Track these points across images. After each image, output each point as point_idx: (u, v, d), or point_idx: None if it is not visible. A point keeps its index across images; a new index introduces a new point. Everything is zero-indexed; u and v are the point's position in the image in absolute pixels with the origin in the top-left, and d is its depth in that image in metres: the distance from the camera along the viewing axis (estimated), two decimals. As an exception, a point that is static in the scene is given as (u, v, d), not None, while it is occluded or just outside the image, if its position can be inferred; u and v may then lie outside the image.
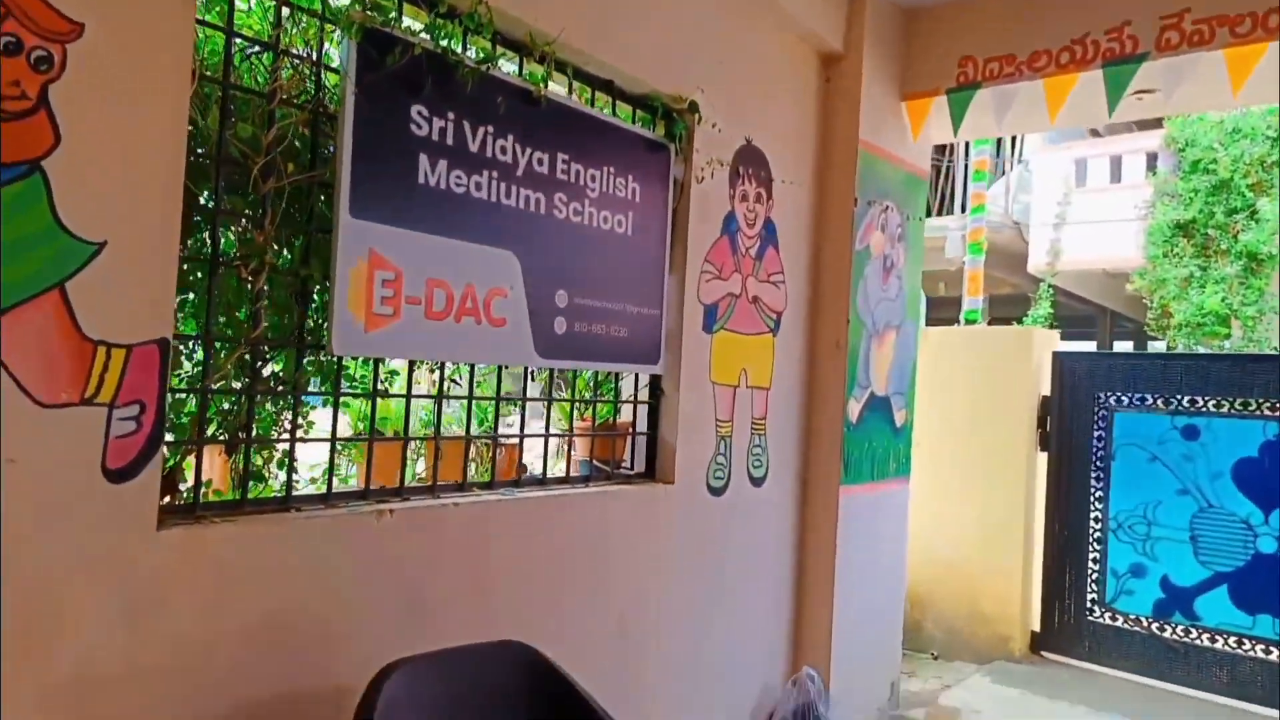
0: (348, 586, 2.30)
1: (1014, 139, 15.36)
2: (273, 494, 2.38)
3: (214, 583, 2.03)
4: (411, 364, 2.70)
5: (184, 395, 2.29)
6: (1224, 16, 3.29)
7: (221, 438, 2.30)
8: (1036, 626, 5.13)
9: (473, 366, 2.90)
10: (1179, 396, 4.75)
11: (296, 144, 2.28)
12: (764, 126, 3.78)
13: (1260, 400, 4.53)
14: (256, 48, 2.30)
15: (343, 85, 2.26)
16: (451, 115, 2.54)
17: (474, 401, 2.91)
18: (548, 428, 3.10)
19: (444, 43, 2.43)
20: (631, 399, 3.46)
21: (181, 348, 2.30)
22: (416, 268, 2.46)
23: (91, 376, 1.80)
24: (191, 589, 1.99)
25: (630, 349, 3.21)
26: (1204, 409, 4.67)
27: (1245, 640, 4.42)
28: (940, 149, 14.91)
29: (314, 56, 2.35)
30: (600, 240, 3.06)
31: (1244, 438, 4.59)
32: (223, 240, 2.20)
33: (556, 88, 3.00)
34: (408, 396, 2.68)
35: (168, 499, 2.10)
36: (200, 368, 2.18)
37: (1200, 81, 3.55)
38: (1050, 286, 13.26)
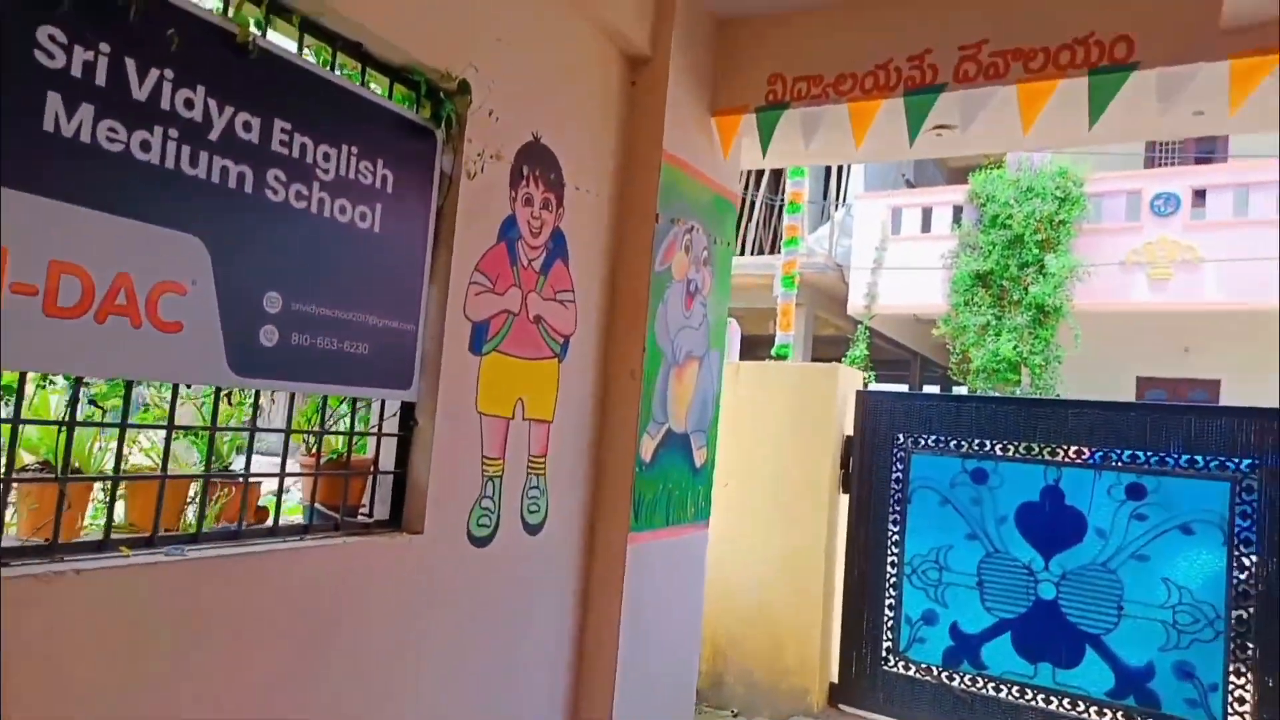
0: None
1: (839, 183, 16.08)
2: None
3: None
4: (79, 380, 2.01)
5: None
6: (1019, 50, 3.22)
7: None
8: (835, 678, 4.94)
9: (176, 386, 2.23)
10: (969, 439, 4.74)
11: None
12: (556, 124, 3.35)
13: (1042, 445, 4.58)
14: None
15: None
16: (105, 47, 1.90)
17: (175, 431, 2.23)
18: (247, 465, 2.45)
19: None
20: (374, 430, 2.88)
21: None
22: (31, 243, 1.79)
23: None
24: None
25: (373, 370, 2.64)
26: (992, 452, 4.67)
27: (1027, 689, 4.40)
28: (774, 184, 15.36)
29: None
30: (335, 234, 2.49)
31: (1027, 482, 4.62)
32: None
33: (283, 40, 2.42)
34: (69, 424, 1.98)
35: None
36: None
37: (995, 118, 3.48)
38: (867, 329, 13.80)
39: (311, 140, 2.40)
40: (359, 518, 2.80)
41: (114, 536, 2.08)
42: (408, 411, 2.89)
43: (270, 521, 2.51)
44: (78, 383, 2.02)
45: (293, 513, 2.74)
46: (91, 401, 2.26)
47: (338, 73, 2.57)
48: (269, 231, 2.29)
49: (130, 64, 1.95)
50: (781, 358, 5.85)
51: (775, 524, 5.01)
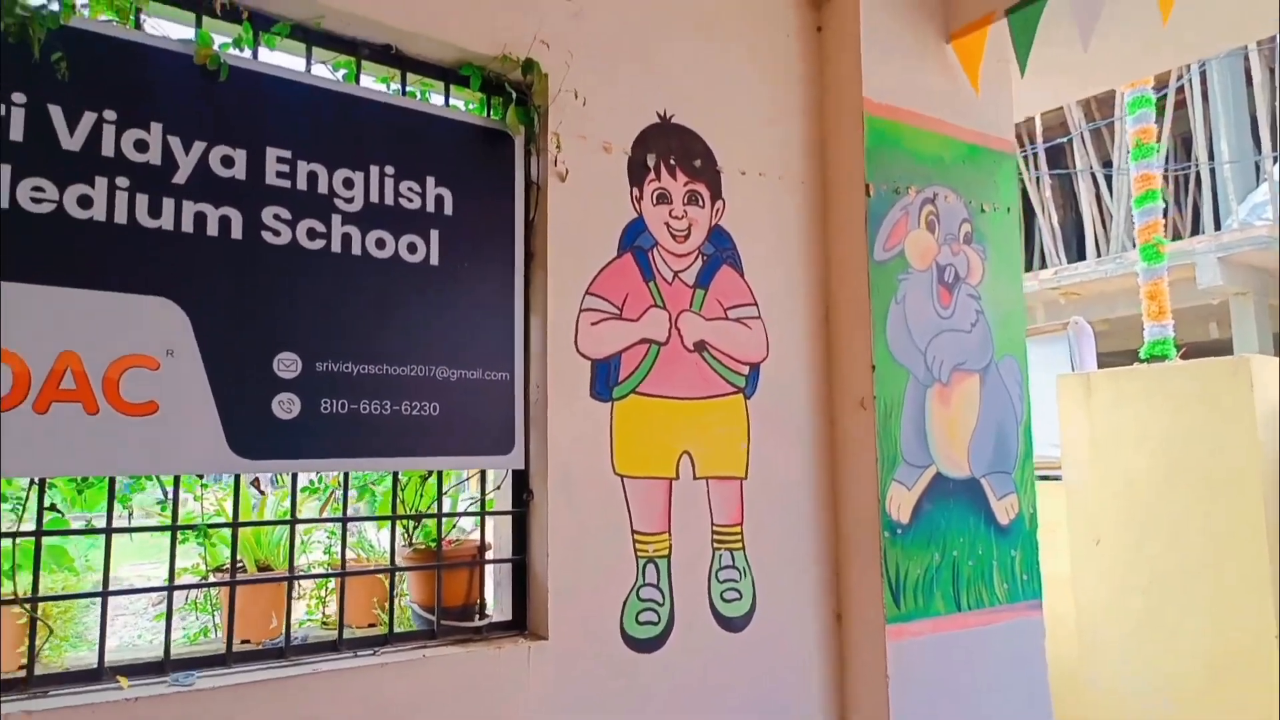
0: None
1: (1276, 129, 12.34)
2: None
3: None
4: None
5: None
6: None
7: None
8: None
9: (178, 478, 1.93)
10: None
11: None
12: (695, 96, 2.59)
13: None
14: None
15: None
16: (20, 98, 1.66)
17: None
18: (343, 562, 2.01)
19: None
20: (476, 509, 2.31)
21: None
22: (-58, 332, 1.55)
23: None
24: None
25: (452, 433, 2.10)
26: None
27: None
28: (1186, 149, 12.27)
29: None
30: (370, 274, 2.02)
31: None
32: None
33: (290, 57, 2.07)
34: (39, 532, 1.75)
35: None
36: None
37: None
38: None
39: (324, 167, 1.98)
40: (477, 620, 2.23)
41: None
42: (520, 482, 2.28)
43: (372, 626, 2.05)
44: (39, 485, 1.74)
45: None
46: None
47: (376, 85, 2.16)
48: (271, 282, 1.89)
49: (55, 111, 1.69)
50: (1159, 358, 4.17)
51: (1182, 602, 3.41)
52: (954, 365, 2.89)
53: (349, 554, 2.17)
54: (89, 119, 1.72)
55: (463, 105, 2.35)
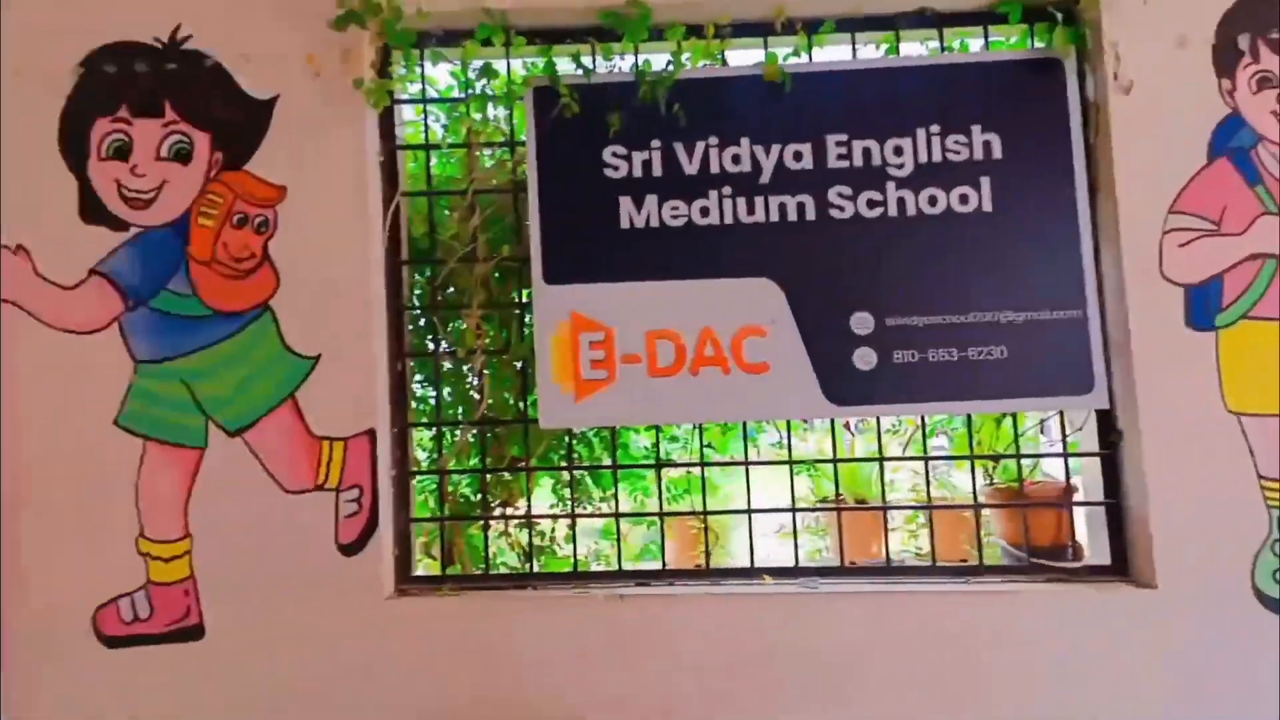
0: (570, 673, 2.12)
1: None
2: (517, 569, 2.38)
3: (438, 652, 2.14)
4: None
5: (425, 476, 2.47)
6: None
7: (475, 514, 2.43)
8: None
9: (789, 423, 2.37)
10: None
11: (501, 227, 2.34)
12: (1304, -54, 2.11)
13: None
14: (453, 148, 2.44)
15: (528, 154, 2.24)
16: (656, 143, 2.23)
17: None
18: (928, 495, 2.26)
19: (616, 64, 2.18)
20: (1058, 450, 2.26)
21: (423, 434, 2.51)
22: (630, 322, 2.19)
23: (320, 466, 2.18)
24: (418, 655, 2.14)
25: (1023, 375, 2.14)
26: None
27: None
28: None
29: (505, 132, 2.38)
30: (928, 231, 2.18)
31: None
32: (442, 330, 2.39)
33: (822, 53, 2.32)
34: (702, 464, 2.35)
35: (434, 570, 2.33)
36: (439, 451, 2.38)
37: None
38: None
39: (875, 141, 2.19)
40: (1070, 561, 2.23)
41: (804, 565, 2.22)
42: (1105, 422, 2.18)
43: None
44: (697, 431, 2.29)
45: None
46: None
47: (912, 52, 2.29)
48: (841, 252, 2.17)
49: (678, 147, 2.21)
50: None
51: None
52: None
53: (936, 492, 2.35)
54: (700, 147, 2.21)
55: (1002, 46, 2.32)
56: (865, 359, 2.15)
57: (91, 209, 2.17)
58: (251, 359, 2.18)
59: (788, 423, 2.32)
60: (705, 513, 2.30)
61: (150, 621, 2.14)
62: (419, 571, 2.33)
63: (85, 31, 2.16)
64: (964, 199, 2.17)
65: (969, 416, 2.28)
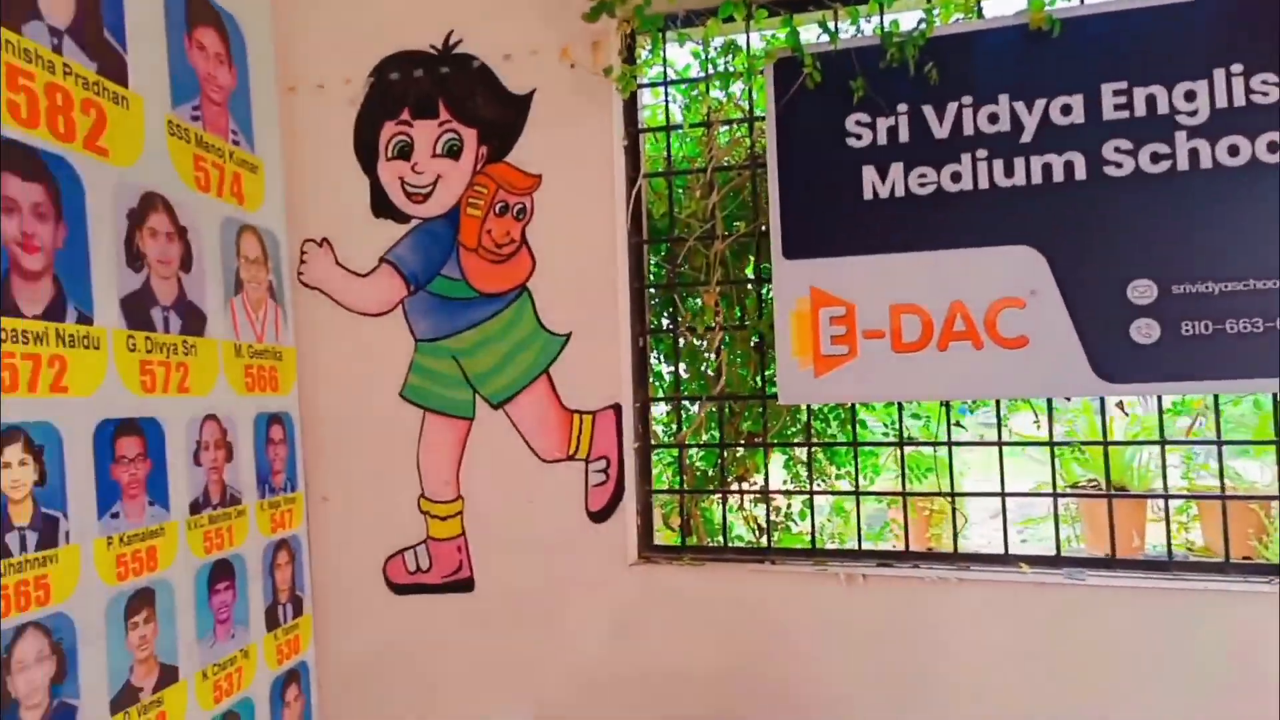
0: (815, 647, 2.11)
1: None
2: (754, 544, 2.39)
3: (681, 619, 2.22)
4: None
5: (663, 450, 2.53)
6: None
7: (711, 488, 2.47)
8: None
9: (1051, 401, 2.20)
10: None
11: (737, 203, 2.35)
12: None
13: None
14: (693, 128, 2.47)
15: (767, 128, 2.24)
16: (902, 108, 2.13)
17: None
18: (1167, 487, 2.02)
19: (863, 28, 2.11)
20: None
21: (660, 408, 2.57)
22: (873, 297, 2.13)
23: (571, 438, 2.32)
24: (662, 621, 2.24)
25: (1353, 349, 1.83)
26: None
27: None
28: None
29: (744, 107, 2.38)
30: (1227, 186, 1.92)
31: None
32: (680, 307, 2.44)
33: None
34: (949, 443, 2.24)
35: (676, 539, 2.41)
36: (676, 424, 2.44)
37: None
38: None
39: (1162, 87, 1.96)
40: None
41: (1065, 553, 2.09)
42: None
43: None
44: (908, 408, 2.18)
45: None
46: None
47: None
48: (1117, 213, 1.97)
49: (926, 111, 2.11)
50: None
51: None
52: None
53: (1210, 480, 2.08)
54: (951, 109, 2.09)
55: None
56: (1145, 331, 1.94)
57: (380, 204, 2.44)
58: (511, 337, 2.36)
59: (1049, 402, 2.14)
60: (953, 494, 2.19)
61: (429, 573, 2.40)
62: (657, 541, 2.43)
63: (373, 45, 2.42)
64: (1273, 147, 1.89)
65: (1275, 396, 1.99)
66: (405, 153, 2.43)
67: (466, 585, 2.38)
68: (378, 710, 2.42)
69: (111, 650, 1.56)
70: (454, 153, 2.40)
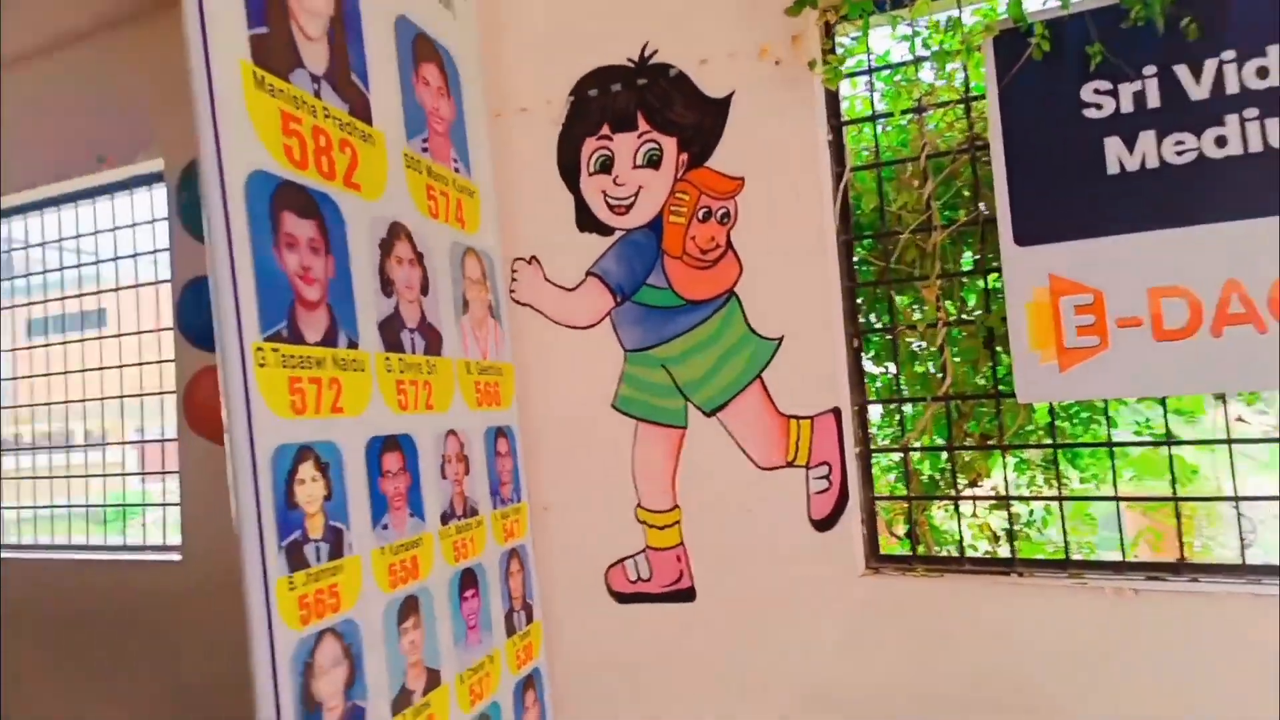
0: (1075, 670, 1.94)
1: None
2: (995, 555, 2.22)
3: (916, 633, 2.11)
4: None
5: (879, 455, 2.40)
6: None
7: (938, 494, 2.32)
8: None
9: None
10: None
11: (951, 191, 2.22)
12: None
13: None
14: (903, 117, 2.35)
15: (988, 107, 2.10)
16: (1150, 70, 1.94)
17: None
18: None
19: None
20: None
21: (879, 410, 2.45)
22: (1124, 281, 1.95)
23: (789, 444, 2.26)
24: (896, 636, 2.13)
25: None
26: None
27: None
28: None
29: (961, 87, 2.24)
30: None
31: None
32: (897, 303, 2.32)
33: None
34: (1229, 441, 2.01)
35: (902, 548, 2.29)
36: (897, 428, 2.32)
37: None
38: None
39: None
40: None
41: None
42: None
43: None
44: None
45: None
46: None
47: None
48: None
49: (1178, 72, 1.90)
50: None
51: None
52: None
53: None
54: (1210, 66, 1.88)
55: None
56: None
57: (584, 219, 2.48)
58: (721, 343, 2.34)
59: (1350, 389, 1.87)
60: (1237, 499, 1.95)
61: (650, 582, 2.40)
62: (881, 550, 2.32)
63: (572, 65, 2.48)
64: None
65: None
66: (606, 166, 2.46)
67: (688, 595, 2.36)
68: (608, 717, 2.45)
69: (389, 655, 1.65)
70: (654, 162, 2.41)
